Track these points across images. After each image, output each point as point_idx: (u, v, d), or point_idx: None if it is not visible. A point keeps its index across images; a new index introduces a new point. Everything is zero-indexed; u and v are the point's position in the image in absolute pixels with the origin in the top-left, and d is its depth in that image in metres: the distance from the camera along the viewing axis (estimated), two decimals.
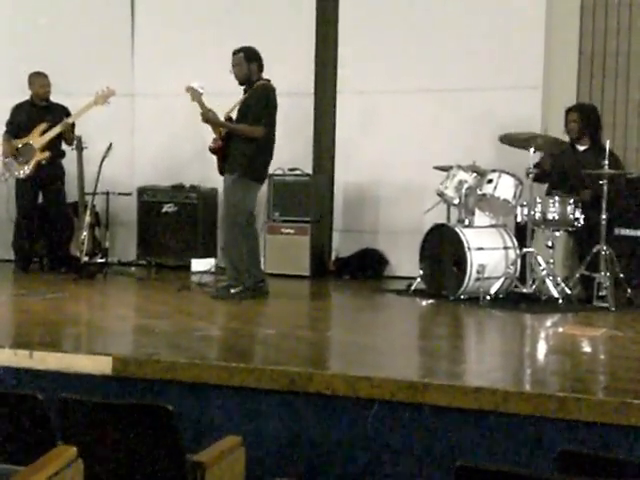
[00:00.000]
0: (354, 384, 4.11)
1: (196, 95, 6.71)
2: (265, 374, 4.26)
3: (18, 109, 8.26)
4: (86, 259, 7.72)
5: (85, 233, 7.76)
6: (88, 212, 7.82)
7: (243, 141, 6.62)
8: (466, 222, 7.07)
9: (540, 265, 6.64)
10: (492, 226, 7.06)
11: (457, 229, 6.93)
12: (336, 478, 4.12)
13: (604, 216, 6.52)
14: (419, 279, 7.17)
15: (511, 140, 6.93)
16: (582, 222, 6.73)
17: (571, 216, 6.73)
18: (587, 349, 5.37)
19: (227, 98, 6.77)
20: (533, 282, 6.67)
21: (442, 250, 7.04)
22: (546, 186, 7.29)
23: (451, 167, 7.16)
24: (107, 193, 8.15)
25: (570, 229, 6.86)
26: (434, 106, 8.08)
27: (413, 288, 7.15)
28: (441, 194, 7.16)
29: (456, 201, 7.10)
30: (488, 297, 6.61)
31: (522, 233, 6.85)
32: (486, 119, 7.82)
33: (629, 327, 5.87)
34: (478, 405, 3.91)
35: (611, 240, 6.74)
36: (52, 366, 4.55)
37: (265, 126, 6.61)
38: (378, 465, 4.05)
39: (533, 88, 7.85)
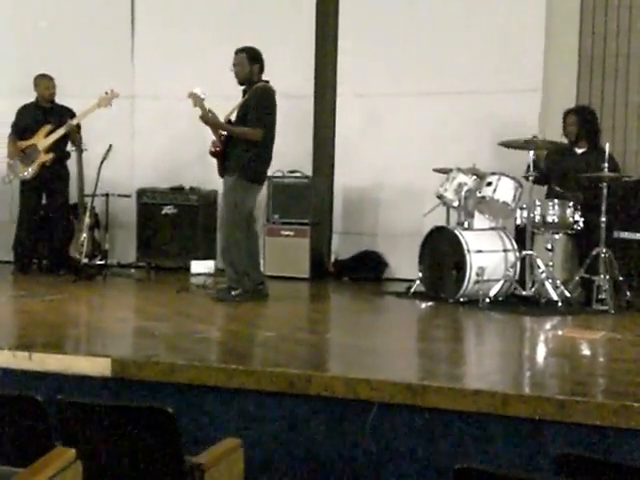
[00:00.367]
0: (353, 386, 4.10)
1: (198, 101, 6.69)
2: (264, 376, 4.25)
3: (23, 111, 8.27)
4: (85, 261, 7.73)
5: (85, 235, 7.76)
6: (88, 214, 7.83)
7: (243, 143, 6.61)
8: (466, 225, 7.08)
9: (539, 268, 6.64)
10: (492, 229, 7.06)
11: (457, 232, 6.93)
12: None
13: (603, 219, 6.52)
14: (418, 281, 7.17)
15: (510, 143, 6.92)
16: (581, 225, 6.74)
17: (570, 219, 6.73)
18: (586, 352, 5.36)
19: (227, 100, 6.76)
20: (532, 285, 6.68)
21: (441, 253, 7.03)
22: (545, 189, 7.29)
23: (451, 170, 7.16)
24: (107, 195, 8.14)
25: (570, 232, 6.87)
26: (434, 109, 8.09)
27: (412, 290, 7.15)
28: (441, 197, 7.16)
29: (456, 204, 7.11)
30: (487, 300, 6.62)
31: (521, 236, 6.85)
32: (486, 122, 7.81)
33: (628, 330, 5.86)
34: (477, 408, 3.91)
35: (610, 243, 6.74)
36: (51, 368, 4.54)
37: (265, 128, 6.59)
38: (377, 467, 4.05)
39: (533, 91, 7.85)
